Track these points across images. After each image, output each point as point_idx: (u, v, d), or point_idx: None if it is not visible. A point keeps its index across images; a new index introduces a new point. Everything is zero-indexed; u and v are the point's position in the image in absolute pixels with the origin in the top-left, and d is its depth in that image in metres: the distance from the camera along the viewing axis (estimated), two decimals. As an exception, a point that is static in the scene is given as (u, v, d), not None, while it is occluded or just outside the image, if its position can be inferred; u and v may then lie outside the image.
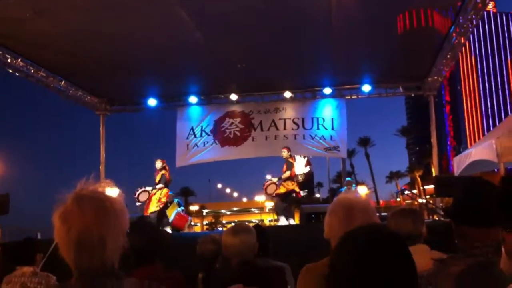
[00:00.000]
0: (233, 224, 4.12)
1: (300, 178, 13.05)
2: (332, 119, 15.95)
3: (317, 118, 16.01)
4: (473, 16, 11.08)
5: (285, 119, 16.17)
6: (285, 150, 13.02)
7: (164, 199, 12.52)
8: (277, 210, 13.05)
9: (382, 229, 1.50)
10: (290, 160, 12.84)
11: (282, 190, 12.52)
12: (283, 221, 12.15)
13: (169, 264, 3.61)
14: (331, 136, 15.81)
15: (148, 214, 12.22)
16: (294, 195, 12.69)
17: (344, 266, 1.40)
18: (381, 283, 1.35)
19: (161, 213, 12.57)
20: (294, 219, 12.83)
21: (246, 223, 4.32)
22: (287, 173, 12.59)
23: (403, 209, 3.67)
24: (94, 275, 1.68)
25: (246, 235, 3.48)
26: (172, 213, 13.17)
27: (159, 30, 11.12)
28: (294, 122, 16.11)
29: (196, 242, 4.62)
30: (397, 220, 3.38)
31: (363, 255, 1.39)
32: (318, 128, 15.90)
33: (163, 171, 12.82)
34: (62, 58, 12.68)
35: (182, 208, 14.00)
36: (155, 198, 12.48)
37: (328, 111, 16.10)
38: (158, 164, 12.90)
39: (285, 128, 16.08)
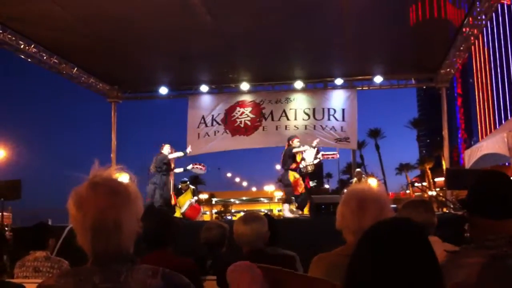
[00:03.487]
0: (242, 213, 4.13)
1: (309, 168, 12.96)
2: (343, 110, 15.90)
3: (328, 109, 15.96)
4: (487, 8, 10.99)
5: (296, 109, 16.13)
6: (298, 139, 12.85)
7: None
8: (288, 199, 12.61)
9: (406, 222, 1.51)
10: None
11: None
12: (291, 213, 12.06)
13: (179, 252, 3.64)
14: (341, 127, 15.76)
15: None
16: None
17: (367, 258, 1.42)
18: (404, 275, 1.37)
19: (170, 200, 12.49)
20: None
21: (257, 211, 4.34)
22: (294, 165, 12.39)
23: (414, 200, 3.69)
24: (110, 259, 1.70)
25: (257, 223, 3.51)
26: (185, 203, 13.15)
27: (169, 13, 11.02)
28: (305, 113, 16.07)
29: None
30: (409, 210, 3.38)
31: (386, 247, 1.40)
32: (329, 119, 15.85)
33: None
34: (74, 42, 12.68)
35: (196, 198, 13.90)
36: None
37: (339, 102, 16.05)
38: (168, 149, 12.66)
39: (295, 119, 16.05)
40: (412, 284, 1.37)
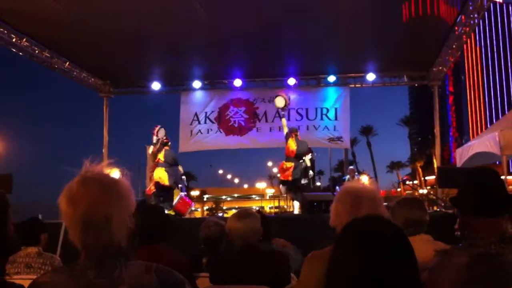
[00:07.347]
0: (234, 210, 4.14)
1: (308, 162, 12.91)
2: (335, 108, 15.90)
3: (321, 109, 15.97)
4: (480, 7, 11.03)
5: (289, 109, 16.10)
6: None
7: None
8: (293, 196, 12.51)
9: (381, 220, 1.53)
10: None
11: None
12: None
13: (175, 248, 3.63)
14: (334, 127, 15.77)
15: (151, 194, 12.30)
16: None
17: (345, 259, 1.44)
18: (382, 274, 1.39)
19: (166, 194, 12.47)
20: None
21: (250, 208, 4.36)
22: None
23: (406, 197, 3.69)
24: (101, 254, 1.70)
25: (250, 220, 3.52)
26: (175, 198, 13.12)
27: (162, 8, 10.99)
28: (298, 113, 16.07)
29: (197, 227, 4.64)
30: (402, 208, 3.39)
31: (363, 247, 1.42)
32: (321, 119, 15.85)
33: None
34: (66, 36, 12.60)
35: (185, 193, 13.93)
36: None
37: (331, 100, 16.04)
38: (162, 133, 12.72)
39: (289, 119, 16.01)
40: (394, 277, 1.41)
